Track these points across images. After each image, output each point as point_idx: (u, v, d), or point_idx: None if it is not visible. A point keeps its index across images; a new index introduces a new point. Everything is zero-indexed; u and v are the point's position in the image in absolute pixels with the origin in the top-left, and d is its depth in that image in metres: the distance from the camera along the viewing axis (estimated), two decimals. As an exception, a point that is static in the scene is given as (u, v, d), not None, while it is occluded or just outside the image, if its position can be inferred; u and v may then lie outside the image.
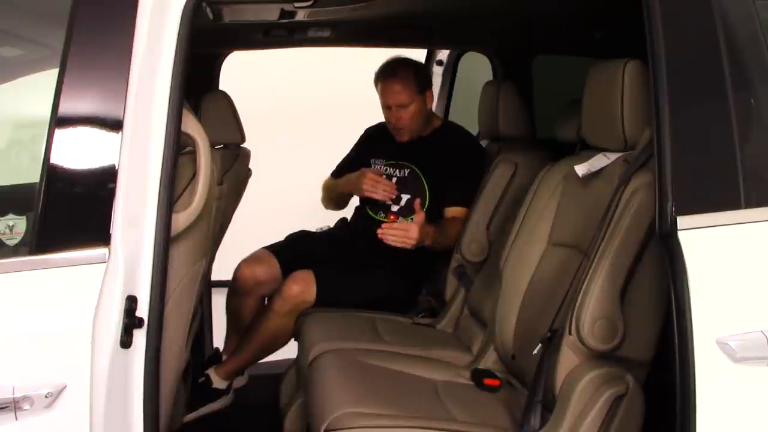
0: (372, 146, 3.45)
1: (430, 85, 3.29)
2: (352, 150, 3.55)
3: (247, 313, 3.23)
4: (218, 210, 2.42)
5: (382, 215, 3.27)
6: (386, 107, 3.23)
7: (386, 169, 3.32)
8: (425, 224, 2.98)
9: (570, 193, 2.36)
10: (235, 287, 3.24)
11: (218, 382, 3.10)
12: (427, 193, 3.22)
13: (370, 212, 3.32)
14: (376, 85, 3.26)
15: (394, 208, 3.25)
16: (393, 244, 2.92)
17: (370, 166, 3.36)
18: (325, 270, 3.08)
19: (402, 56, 3.28)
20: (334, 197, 3.47)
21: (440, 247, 3.08)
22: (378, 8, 2.54)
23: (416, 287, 3.28)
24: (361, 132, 3.56)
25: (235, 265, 3.26)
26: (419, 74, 3.25)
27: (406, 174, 3.27)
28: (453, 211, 3.18)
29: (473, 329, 2.75)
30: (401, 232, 2.92)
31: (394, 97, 3.18)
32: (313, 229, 3.43)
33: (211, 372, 3.10)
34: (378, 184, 3.20)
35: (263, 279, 3.21)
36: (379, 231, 2.92)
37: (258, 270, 3.21)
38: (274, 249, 3.28)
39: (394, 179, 3.28)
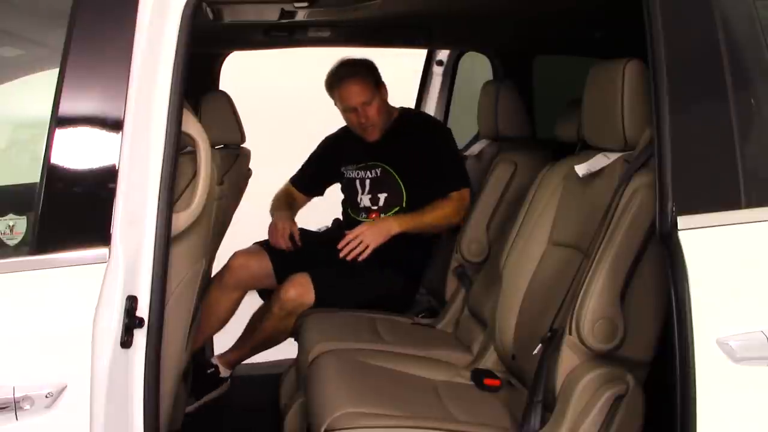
0: (338, 155, 3.42)
1: (380, 77, 3.26)
2: (311, 160, 3.52)
3: (222, 309, 3.21)
4: (218, 210, 2.42)
5: (364, 216, 3.28)
6: (350, 110, 3.20)
7: (358, 173, 3.31)
8: (382, 219, 3.10)
9: (570, 193, 2.36)
10: (225, 277, 3.21)
11: (224, 371, 3.18)
12: (403, 189, 3.22)
13: (352, 215, 3.34)
14: (332, 94, 3.24)
15: (374, 208, 3.26)
16: (355, 255, 3.03)
17: (341, 175, 3.37)
18: (321, 271, 3.09)
19: (347, 57, 3.26)
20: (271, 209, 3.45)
21: (429, 227, 3.12)
22: (378, 8, 2.53)
23: (414, 284, 3.28)
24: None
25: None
26: (371, 70, 3.25)
27: (378, 174, 3.27)
28: (454, 195, 3.17)
29: (473, 329, 2.75)
30: (354, 243, 3.03)
31: (357, 98, 3.16)
32: (314, 229, 3.44)
33: (218, 361, 3.17)
34: (278, 238, 3.25)
35: (255, 272, 3.22)
36: (340, 255, 3.03)
37: (252, 261, 3.23)
38: (267, 245, 3.30)
39: (368, 182, 3.28)
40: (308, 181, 3.50)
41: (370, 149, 3.27)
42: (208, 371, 3.16)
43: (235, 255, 3.25)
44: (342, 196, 3.47)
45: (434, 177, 3.18)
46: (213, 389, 3.16)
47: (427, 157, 3.20)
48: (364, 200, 3.30)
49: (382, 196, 3.24)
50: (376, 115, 3.19)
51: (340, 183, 3.44)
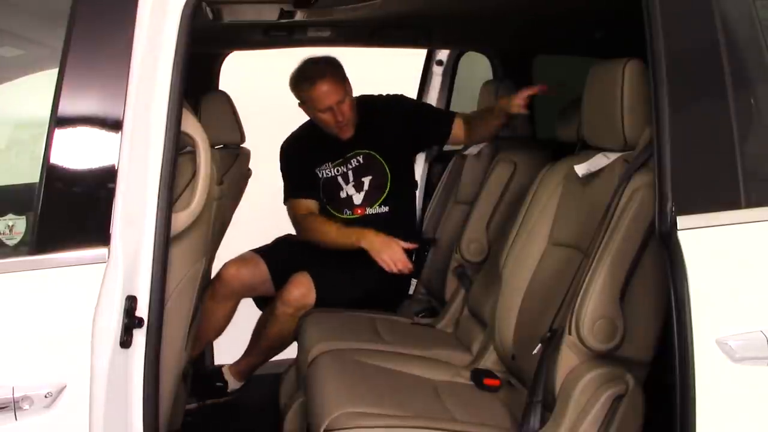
0: (306, 157, 3.30)
1: (344, 72, 3.20)
2: (291, 169, 3.33)
3: (217, 318, 3.18)
4: (218, 210, 2.42)
5: (348, 213, 3.24)
6: (326, 110, 3.12)
7: (337, 169, 3.26)
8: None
9: (570, 193, 2.36)
10: (216, 288, 3.15)
11: (234, 383, 3.19)
12: (387, 170, 3.22)
13: (334, 212, 3.26)
14: (301, 95, 3.16)
15: (357, 200, 3.22)
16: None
17: (320, 177, 3.29)
18: (320, 270, 3.08)
19: (311, 56, 3.19)
20: (318, 238, 3.17)
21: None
22: (378, 8, 2.54)
23: (407, 277, 3.29)
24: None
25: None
26: (337, 67, 3.19)
27: (361, 161, 3.25)
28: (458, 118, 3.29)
29: (473, 329, 2.75)
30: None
31: (332, 97, 3.10)
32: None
33: (227, 375, 3.18)
34: (399, 264, 3.05)
35: (248, 281, 3.19)
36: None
37: (243, 271, 3.19)
38: (262, 251, 3.28)
39: (351, 173, 3.24)
40: (307, 186, 3.32)
41: (343, 142, 3.22)
42: (217, 384, 3.16)
43: (226, 265, 3.20)
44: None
45: (429, 127, 3.29)
46: (218, 397, 3.17)
47: (404, 126, 3.23)
48: (347, 190, 3.24)
49: (367, 180, 3.21)
50: (349, 111, 3.15)
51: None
